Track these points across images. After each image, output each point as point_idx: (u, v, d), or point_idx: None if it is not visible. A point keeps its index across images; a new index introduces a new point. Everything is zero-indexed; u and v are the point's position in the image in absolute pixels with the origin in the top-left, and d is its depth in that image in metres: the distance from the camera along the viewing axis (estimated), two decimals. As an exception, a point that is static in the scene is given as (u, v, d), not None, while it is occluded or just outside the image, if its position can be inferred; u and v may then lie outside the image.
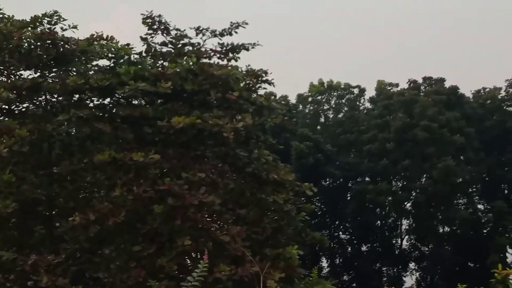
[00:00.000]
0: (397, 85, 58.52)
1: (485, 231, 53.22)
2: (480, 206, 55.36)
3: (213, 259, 14.17)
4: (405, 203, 55.06)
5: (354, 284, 54.99)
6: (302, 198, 20.10)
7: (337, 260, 56.87)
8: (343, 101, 62.97)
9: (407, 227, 56.17)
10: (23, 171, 17.30)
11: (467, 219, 52.07)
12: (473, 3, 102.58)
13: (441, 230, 54.33)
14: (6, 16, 18.05)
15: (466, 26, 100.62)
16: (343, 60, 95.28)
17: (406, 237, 56.20)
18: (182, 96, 18.23)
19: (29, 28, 17.96)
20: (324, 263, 55.20)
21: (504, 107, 57.86)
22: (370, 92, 60.89)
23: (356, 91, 62.65)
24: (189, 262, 17.31)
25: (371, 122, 56.08)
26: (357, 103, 63.07)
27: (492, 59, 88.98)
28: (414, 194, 53.99)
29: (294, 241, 19.06)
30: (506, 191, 56.34)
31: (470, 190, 55.04)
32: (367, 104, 61.83)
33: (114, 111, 18.82)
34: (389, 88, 58.51)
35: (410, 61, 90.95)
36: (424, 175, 52.85)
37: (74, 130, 18.99)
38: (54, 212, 18.74)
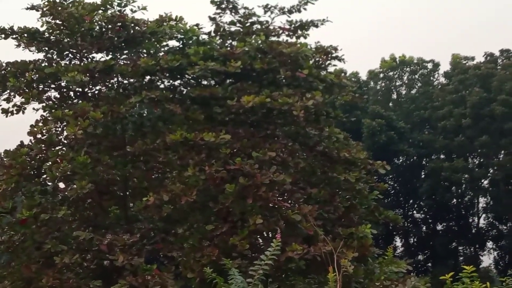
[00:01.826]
0: (473, 58, 57.44)
1: None
2: (563, 183, 53.97)
3: (285, 238, 14.23)
4: (482, 181, 54.23)
5: (429, 264, 54.53)
6: (375, 177, 19.96)
7: (412, 239, 56.48)
8: (416, 76, 62.07)
9: (484, 205, 55.35)
10: (97, 153, 17.60)
11: (548, 197, 50.96)
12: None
13: (520, 208, 53.24)
14: (78, 0, 18.36)
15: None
16: (416, 35, 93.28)
17: (484, 215, 55.36)
18: (251, 75, 18.28)
19: (100, 11, 18.20)
20: (398, 242, 54.96)
21: None
22: (445, 67, 59.93)
23: (430, 66, 61.67)
24: (261, 241, 17.46)
25: (446, 98, 55.10)
26: (431, 78, 62.10)
27: None
28: (491, 171, 53.09)
29: (367, 220, 18.96)
30: None
31: (551, 166, 53.67)
32: (442, 79, 60.88)
33: (184, 92, 19.05)
34: (464, 62, 57.40)
35: (487, 34, 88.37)
36: (502, 152, 51.91)
37: (146, 112, 19.35)
38: (128, 193, 19.12)
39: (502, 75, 52.22)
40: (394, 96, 62.65)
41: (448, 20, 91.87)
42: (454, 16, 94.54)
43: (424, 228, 56.62)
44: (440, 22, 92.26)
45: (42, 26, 18.27)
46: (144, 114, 19.32)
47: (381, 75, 62.49)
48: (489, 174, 53.44)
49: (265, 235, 17.41)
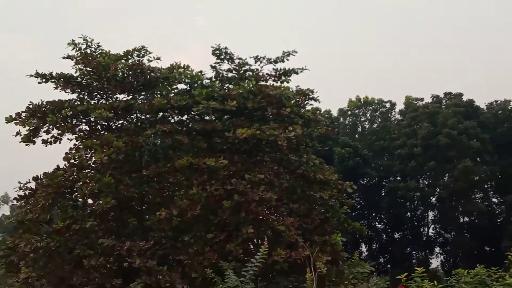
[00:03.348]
0: (422, 99, 57.98)
1: (498, 220, 52.30)
2: (494, 200, 54.39)
3: (271, 245, 14.15)
4: (431, 198, 54.41)
5: (388, 266, 54.36)
6: (344, 195, 19.87)
7: (374, 245, 56.39)
8: (377, 113, 62.42)
9: (432, 218, 55.50)
10: (119, 175, 17.54)
11: (483, 211, 51.24)
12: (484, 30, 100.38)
13: (461, 220, 53.51)
14: (105, 51, 18.41)
15: (480, 48, 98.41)
16: (375, 78, 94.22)
17: (432, 226, 55.48)
18: (245, 112, 18.30)
19: (122, 60, 18.29)
20: (363, 248, 54.82)
21: (514, 117, 56.65)
22: (400, 106, 60.30)
23: (388, 105, 62.07)
24: (252, 247, 17.34)
25: (401, 131, 55.47)
26: (389, 115, 62.44)
27: (503, 75, 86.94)
28: (438, 190, 53.30)
29: (338, 230, 18.89)
30: (517, 187, 54.87)
31: (486, 186, 54.07)
32: (397, 116, 61.19)
33: (190, 125, 19.03)
34: (415, 102, 57.92)
35: (433, 78, 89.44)
36: (446, 174, 52.13)
37: (159, 141, 19.27)
38: (144, 207, 18.97)
39: (446, 113, 52.63)
40: (360, 129, 62.91)
41: (403, 65, 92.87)
42: (409, 63, 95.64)
43: (384, 236, 56.56)
44: (397, 66, 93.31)
45: (75, 72, 18.32)
46: (158, 143, 19.25)
47: (349, 112, 62.82)
48: (436, 193, 53.63)
49: (255, 242, 17.29)
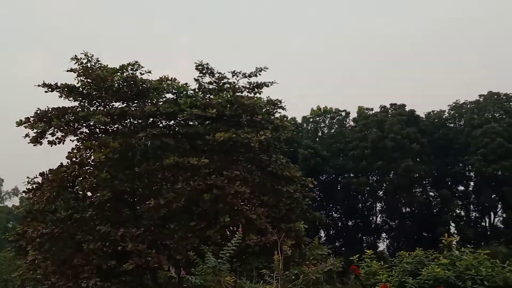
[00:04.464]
0: (372, 109, 58.28)
1: (434, 211, 52.75)
2: (431, 193, 54.94)
3: (245, 231, 14.15)
4: (378, 192, 54.77)
5: (343, 249, 54.60)
6: (306, 189, 20.00)
7: (331, 231, 56.56)
8: (334, 121, 62.65)
9: (380, 208, 55.84)
10: (115, 171, 17.41)
11: (422, 203, 51.74)
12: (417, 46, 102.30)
13: (403, 210, 53.92)
14: (103, 65, 18.23)
15: (420, 61, 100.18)
16: (334, 90, 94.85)
17: (379, 215, 55.83)
18: (223, 119, 18.31)
19: (118, 73, 18.14)
20: (322, 234, 54.96)
21: (447, 124, 57.61)
22: (353, 115, 60.67)
23: (343, 114, 62.33)
24: (228, 233, 17.35)
25: (354, 136, 55.74)
26: (344, 122, 62.75)
27: (438, 88, 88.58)
28: (384, 185, 53.69)
29: (301, 218, 19.00)
30: (449, 183, 55.69)
31: (424, 182, 54.56)
32: (351, 123, 61.51)
33: (176, 129, 18.95)
34: (366, 111, 58.29)
35: (381, 90, 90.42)
36: (392, 172, 52.54)
37: (149, 143, 19.15)
38: (136, 199, 18.84)
39: (391, 121, 53.08)
40: (320, 134, 63.08)
41: (356, 80, 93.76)
42: (362, 77, 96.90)
43: (339, 224, 56.76)
44: (351, 81, 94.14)
45: (77, 83, 18.09)
46: (148, 145, 19.11)
47: (311, 119, 62.96)
48: (383, 187, 53.99)
49: (231, 229, 17.30)
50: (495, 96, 56.61)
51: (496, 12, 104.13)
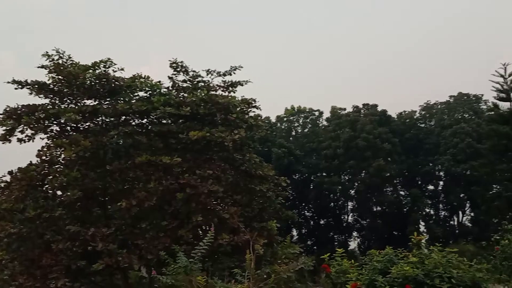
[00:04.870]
0: (344, 109, 58.85)
1: (405, 210, 53.56)
2: (401, 193, 55.74)
3: (217, 230, 14.14)
4: (350, 191, 55.32)
5: (315, 247, 55.00)
6: (279, 188, 20.09)
7: (303, 230, 56.94)
8: (308, 120, 63.13)
9: (351, 207, 56.41)
10: (85, 170, 17.18)
11: (393, 202, 52.51)
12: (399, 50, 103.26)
13: (375, 209, 54.60)
14: (75, 62, 17.93)
15: (392, 64, 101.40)
16: (307, 90, 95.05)
17: (351, 214, 56.43)
18: (197, 117, 18.21)
19: (90, 71, 17.87)
20: (294, 232, 55.27)
21: (418, 124, 58.59)
22: (326, 114, 61.18)
23: (316, 113, 62.84)
24: (200, 232, 17.29)
25: (327, 135, 56.27)
26: (317, 121, 63.26)
27: (410, 88, 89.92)
28: (356, 184, 54.28)
29: (273, 217, 19.06)
30: (419, 182, 56.72)
31: (395, 182, 55.43)
32: (324, 123, 62.05)
33: (149, 128, 18.77)
34: (339, 111, 58.80)
35: (354, 90, 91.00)
36: (363, 171, 53.15)
37: (121, 141, 18.93)
38: (107, 198, 18.61)
39: (364, 121, 53.68)
40: (293, 133, 63.47)
41: (330, 80, 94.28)
42: (335, 77, 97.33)
43: (311, 222, 57.21)
44: (325, 81, 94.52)
45: (48, 80, 17.76)
46: (120, 143, 18.86)
47: (285, 119, 63.29)
48: (354, 186, 54.55)
49: (204, 228, 17.23)
50: (465, 97, 57.92)
51: (467, 12, 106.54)
